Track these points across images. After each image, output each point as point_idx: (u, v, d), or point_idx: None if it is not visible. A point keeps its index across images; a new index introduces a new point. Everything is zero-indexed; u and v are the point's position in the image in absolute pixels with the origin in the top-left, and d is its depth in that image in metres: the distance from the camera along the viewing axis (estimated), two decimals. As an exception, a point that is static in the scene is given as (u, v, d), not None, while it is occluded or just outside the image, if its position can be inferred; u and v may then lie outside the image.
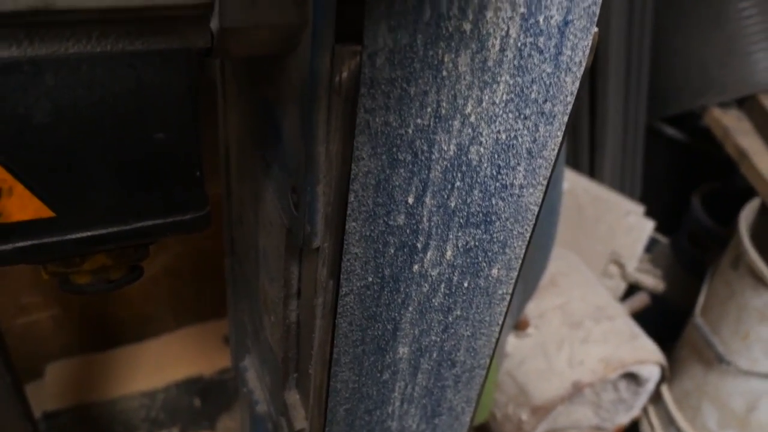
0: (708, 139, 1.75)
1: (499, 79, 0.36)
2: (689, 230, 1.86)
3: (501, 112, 0.38)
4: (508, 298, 0.50)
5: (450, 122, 0.37)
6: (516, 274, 0.49)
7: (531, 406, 1.42)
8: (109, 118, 0.30)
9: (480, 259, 0.45)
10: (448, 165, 0.39)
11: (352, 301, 0.42)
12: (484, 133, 0.38)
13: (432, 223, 0.41)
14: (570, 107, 0.40)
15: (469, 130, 0.38)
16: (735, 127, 1.63)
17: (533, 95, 0.38)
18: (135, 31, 0.29)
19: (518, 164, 0.41)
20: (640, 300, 1.73)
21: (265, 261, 0.49)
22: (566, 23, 0.36)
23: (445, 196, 0.40)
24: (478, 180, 0.40)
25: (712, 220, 1.80)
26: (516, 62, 0.36)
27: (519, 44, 0.36)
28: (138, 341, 1.74)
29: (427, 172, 0.38)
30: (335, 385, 0.47)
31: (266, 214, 0.46)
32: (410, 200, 0.39)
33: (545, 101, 0.39)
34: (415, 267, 0.43)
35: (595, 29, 0.38)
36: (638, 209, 1.73)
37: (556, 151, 0.42)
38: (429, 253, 0.43)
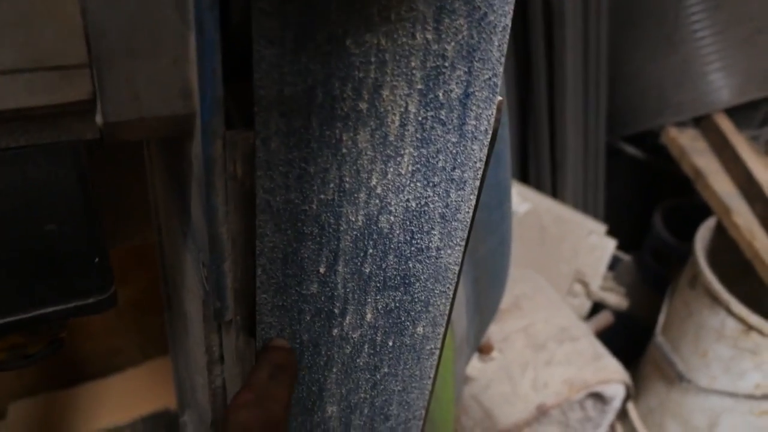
0: (667, 156, 1.78)
1: (402, 152, 0.37)
2: (652, 247, 1.89)
3: (408, 182, 0.38)
4: (437, 352, 0.50)
5: (355, 195, 0.37)
6: (443, 329, 0.49)
7: (497, 430, 1.42)
8: (-4, 213, 0.30)
9: (403, 318, 0.45)
10: (358, 234, 0.39)
11: (272, 368, 0.42)
12: (392, 203, 0.39)
13: (347, 289, 0.41)
14: (480, 172, 0.41)
15: (377, 201, 0.38)
16: (691, 147, 1.66)
17: (440, 164, 0.39)
18: (19, 128, 0.29)
19: (432, 228, 0.41)
20: (604, 318, 1.74)
21: (191, 325, 0.49)
22: (467, 95, 0.37)
23: (359, 263, 0.40)
24: (392, 246, 0.41)
25: (674, 237, 1.82)
26: (419, 135, 0.37)
27: (420, 118, 0.36)
28: (103, 376, 1.71)
29: (336, 242, 0.38)
30: (264, 448, 0.47)
31: (188, 282, 0.46)
32: (322, 270, 0.39)
33: (453, 169, 0.39)
34: (335, 331, 0.43)
35: (499, 98, 0.39)
36: (600, 228, 1.75)
37: (470, 213, 0.43)
38: (348, 317, 0.43)
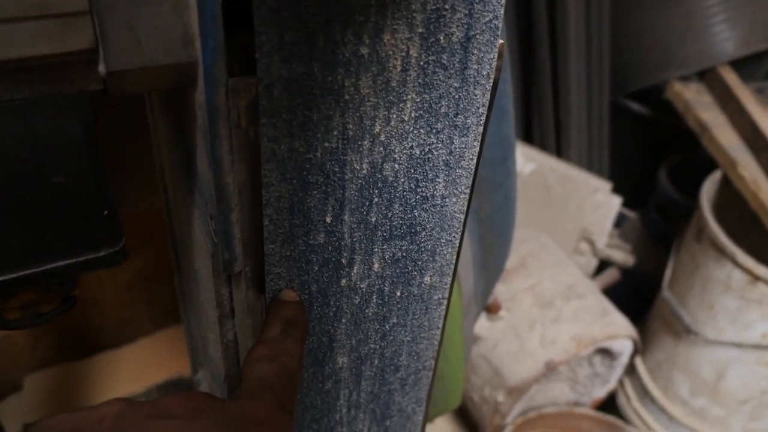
0: (673, 112, 1.77)
1: (405, 97, 0.37)
2: (657, 203, 1.89)
3: (411, 128, 0.38)
4: (444, 302, 0.51)
5: (359, 143, 0.37)
6: (450, 279, 0.49)
7: (506, 387, 1.44)
8: (5, 166, 0.30)
9: (410, 268, 0.46)
10: (363, 183, 0.39)
11: (283, 319, 0.43)
12: (396, 150, 0.39)
13: (354, 239, 0.41)
14: (483, 118, 0.41)
15: (381, 149, 0.38)
16: (696, 101, 1.65)
17: (443, 110, 0.39)
18: (22, 79, 0.29)
19: (437, 176, 0.42)
20: (610, 275, 1.75)
21: (201, 281, 0.50)
22: (468, 39, 0.37)
23: (365, 213, 0.40)
24: (397, 195, 0.41)
25: (680, 192, 1.82)
26: (421, 80, 0.37)
27: (421, 63, 0.36)
28: (116, 347, 1.74)
29: (341, 191, 0.39)
30: (277, 399, 0.48)
31: (196, 238, 0.46)
32: (328, 219, 0.39)
33: (456, 114, 0.39)
34: (343, 281, 0.43)
35: (501, 41, 0.38)
36: (605, 186, 1.75)
37: (474, 160, 0.43)
38: (355, 267, 0.43)
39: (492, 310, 1.46)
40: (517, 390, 1.43)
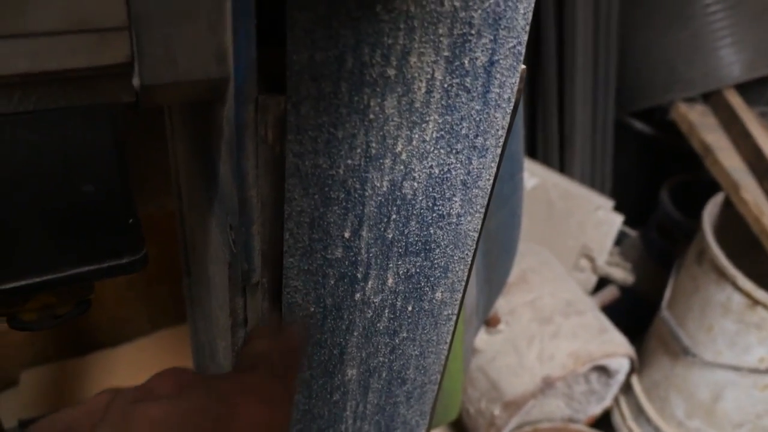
0: (676, 132, 1.78)
1: (427, 118, 0.37)
2: (658, 223, 1.89)
3: (432, 148, 0.39)
4: (454, 317, 0.51)
5: (381, 161, 0.38)
6: (460, 295, 0.50)
7: (503, 401, 1.45)
8: (35, 173, 0.31)
9: (422, 284, 0.46)
10: (383, 200, 0.40)
11: (296, 331, 0.43)
12: (416, 169, 0.39)
13: (371, 254, 0.42)
14: (502, 140, 0.41)
15: (401, 167, 0.39)
16: (700, 123, 1.66)
17: (464, 131, 0.39)
18: (57, 90, 0.30)
19: (454, 195, 0.42)
20: (609, 293, 1.76)
21: (214, 289, 0.50)
22: (492, 63, 0.37)
23: (382, 229, 0.41)
24: (414, 212, 0.41)
25: (681, 213, 1.83)
26: (444, 102, 0.37)
27: (445, 85, 0.37)
28: (113, 346, 1.74)
29: (361, 207, 0.39)
30: (285, 409, 0.48)
31: (212, 246, 0.47)
32: (347, 234, 0.40)
33: (476, 136, 0.40)
34: (357, 295, 0.44)
35: (523, 66, 0.39)
36: (607, 203, 1.76)
37: (491, 180, 0.43)
38: (370, 282, 0.44)
39: (491, 323, 1.47)
40: (513, 404, 1.43)
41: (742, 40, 1.72)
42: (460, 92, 0.37)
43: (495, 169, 0.43)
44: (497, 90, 0.39)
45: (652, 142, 1.93)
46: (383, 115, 0.36)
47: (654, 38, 1.77)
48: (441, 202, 0.42)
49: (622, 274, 1.78)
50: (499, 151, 0.42)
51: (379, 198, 0.39)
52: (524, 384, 1.43)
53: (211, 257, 0.49)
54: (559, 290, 1.58)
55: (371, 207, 0.39)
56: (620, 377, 1.61)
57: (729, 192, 1.48)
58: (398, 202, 0.40)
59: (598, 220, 1.75)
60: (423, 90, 0.36)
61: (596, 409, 1.69)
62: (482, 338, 1.49)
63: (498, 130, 0.41)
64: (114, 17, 0.28)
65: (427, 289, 0.47)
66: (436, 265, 0.46)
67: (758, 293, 1.28)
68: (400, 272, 0.44)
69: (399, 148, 0.38)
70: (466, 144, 0.40)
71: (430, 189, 0.41)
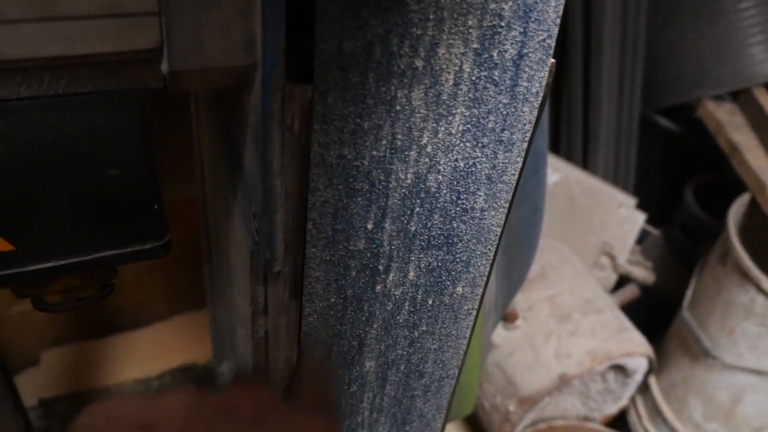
0: (702, 131, 1.75)
1: (454, 111, 0.37)
2: (681, 222, 1.87)
3: (458, 141, 0.39)
4: (474, 312, 0.51)
5: (406, 153, 0.37)
6: (481, 290, 0.49)
7: (518, 397, 1.44)
8: (63, 157, 0.31)
9: (444, 278, 0.46)
10: (407, 192, 0.39)
11: (316, 321, 0.44)
12: (441, 162, 0.39)
13: (393, 247, 0.42)
14: (529, 135, 0.41)
15: (426, 160, 0.38)
16: (728, 121, 1.63)
17: (490, 125, 0.39)
18: (86, 75, 0.30)
19: (478, 189, 0.42)
20: (629, 292, 1.74)
21: (235, 276, 0.50)
22: (521, 56, 0.37)
23: (405, 221, 0.41)
24: (438, 205, 0.41)
25: (705, 212, 1.80)
26: (471, 95, 0.37)
27: (473, 78, 0.36)
28: (133, 329, 1.76)
29: (385, 199, 0.39)
30: (303, 398, 0.48)
31: (234, 234, 0.47)
32: (369, 226, 0.40)
33: (503, 130, 0.39)
34: (378, 287, 0.44)
35: (552, 60, 0.38)
36: (630, 201, 1.73)
37: (516, 175, 0.43)
38: (391, 275, 0.44)
39: (509, 319, 1.46)
40: (529, 400, 1.43)
41: (774, 38, 1.68)
42: (488, 85, 0.37)
43: (521, 164, 0.42)
44: (525, 84, 0.38)
45: (678, 140, 1.90)
46: (410, 107, 0.36)
47: (683, 34, 1.74)
48: (465, 196, 0.42)
49: (643, 273, 1.76)
50: (525, 145, 0.41)
51: (403, 190, 0.39)
52: (540, 380, 1.42)
53: (233, 245, 0.49)
54: (579, 287, 1.57)
55: (395, 199, 0.39)
56: (638, 377, 1.60)
57: (755, 192, 1.45)
58: (422, 194, 0.40)
59: (621, 218, 1.73)
60: (451, 82, 0.36)
61: (612, 409, 1.67)
62: (499, 334, 1.49)
63: (525, 125, 0.40)
64: (144, 2, 0.28)
65: (449, 283, 0.47)
66: (458, 260, 0.45)
67: (782, 296, 1.26)
68: (422, 265, 0.44)
69: (425, 141, 0.37)
70: (493, 138, 0.39)
71: (455, 182, 0.40)
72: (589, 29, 1.69)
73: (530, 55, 0.37)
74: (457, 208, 0.42)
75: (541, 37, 0.36)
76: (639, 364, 1.54)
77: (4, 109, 0.29)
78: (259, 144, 0.34)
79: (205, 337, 1.89)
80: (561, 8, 0.36)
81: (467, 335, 0.53)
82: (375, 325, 0.46)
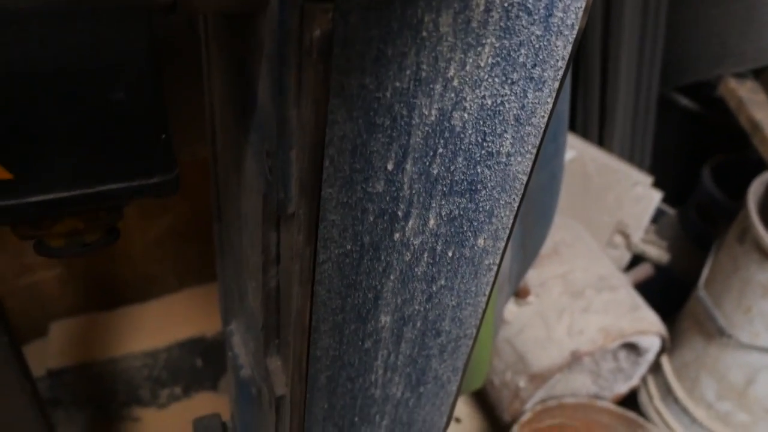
0: (722, 110, 1.71)
1: (484, 41, 0.35)
2: (698, 202, 1.84)
3: (486, 76, 0.36)
4: (495, 268, 0.49)
5: (431, 86, 0.35)
6: (503, 244, 0.47)
7: (529, 373, 1.42)
8: (64, 76, 0.29)
9: (465, 228, 0.44)
10: (430, 131, 0.37)
11: (331, 269, 0.41)
12: (468, 98, 0.37)
13: (413, 191, 0.40)
14: (561, 72, 0.38)
15: (452, 95, 0.36)
16: (750, 99, 1.59)
17: (521, 59, 0.36)
18: (91, -16, 0.28)
19: (505, 131, 0.39)
20: (643, 271, 1.71)
21: (246, 227, 0.48)
22: (557, -18, 0.34)
23: (427, 163, 0.39)
24: (462, 147, 0.39)
25: (722, 193, 1.77)
26: (502, 23, 0.34)
27: (506, 4, 0.34)
28: (141, 301, 1.75)
29: (407, 137, 0.37)
30: (315, 353, 0.46)
31: (246, 181, 0.45)
32: (389, 166, 0.38)
33: (534, 66, 0.37)
34: (396, 235, 0.42)
35: (589, -10, 0.36)
36: (646, 180, 1.70)
37: (546, 118, 0.40)
38: (411, 222, 0.41)
39: (521, 294, 1.44)
40: (539, 377, 1.41)
41: (798, 14, 1.64)
42: (520, 13, 0.34)
43: (551, 107, 0.40)
44: (560, 14, 0.35)
45: (697, 118, 1.86)
46: (437, 34, 0.33)
47: (705, 9, 1.69)
48: (491, 138, 0.39)
49: (657, 252, 1.73)
50: (557, 85, 0.39)
51: (427, 128, 0.37)
52: (551, 357, 1.40)
53: (245, 193, 0.47)
54: (592, 265, 1.55)
55: (417, 138, 0.37)
56: (650, 356, 1.58)
57: (776, 171, 1.42)
58: (446, 134, 0.37)
59: (636, 196, 1.70)
60: (482, 8, 0.33)
61: (623, 388, 1.66)
62: (511, 310, 1.47)
63: (558, 61, 0.38)
64: None
65: (470, 234, 0.44)
66: (480, 209, 0.43)
67: (803, 275, 1.23)
68: (443, 213, 0.42)
69: (451, 73, 0.35)
70: (523, 74, 0.37)
71: (481, 122, 0.38)
72: (609, 3, 1.65)
73: (566, -19, 0.34)
74: (483, 151, 0.40)
75: (578, -38, 0.34)
76: (651, 343, 1.52)
77: (3, 22, 0.27)
78: (275, 70, 0.32)
79: (213, 310, 1.88)
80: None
81: (487, 293, 0.50)
82: (392, 277, 0.44)
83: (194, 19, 0.51)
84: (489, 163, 0.40)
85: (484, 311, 0.52)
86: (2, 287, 1.59)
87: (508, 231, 0.46)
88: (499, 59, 0.36)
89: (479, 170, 0.40)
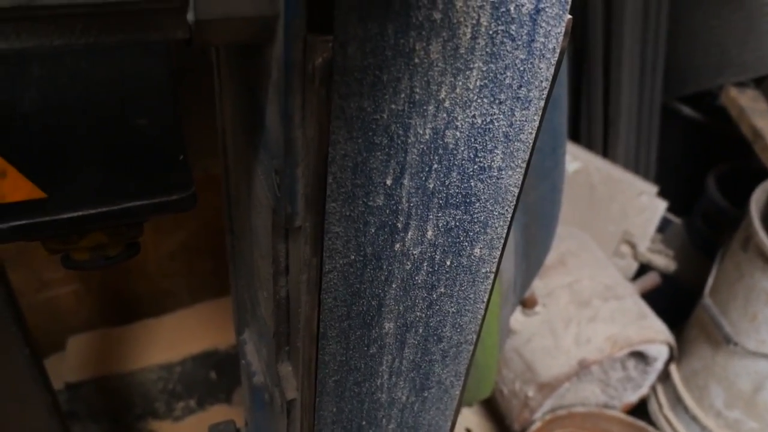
0: (725, 118, 1.73)
1: (472, 65, 0.38)
2: (703, 210, 1.85)
3: (475, 97, 0.39)
4: (492, 276, 0.51)
5: (424, 107, 0.38)
6: (499, 253, 0.50)
7: (537, 382, 1.44)
8: (92, 105, 0.32)
9: (461, 238, 0.47)
10: (425, 148, 0.40)
11: (336, 278, 0.44)
12: (459, 118, 0.40)
13: (411, 204, 0.43)
14: (546, 92, 0.41)
15: (444, 115, 0.39)
16: (751, 108, 1.61)
17: (507, 81, 0.39)
18: (116, 24, 0.31)
19: (495, 147, 0.42)
20: (650, 280, 1.73)
21: (256, 239, 0.51)
22: (538, 11, 0.37)
23: (423, 178, 0.42)
24: (456, 162, 0.42)
25: (727, 201, 1.78)
26: (488, 49, 0.37)
27: (491, 32, 0.37)
28: (156, 316, 1.79)
29: (404, 154, 0.40)
30: (323, 358, 0.49)
31: (256, 195, 0.48)
32: (388, 182, 0.41)
33: (520, 87, 0.40)
34: (397, 246, 0.45)
35: (569, 16, 0.39)
36: (651, 189, 1.72)
37: (533, 134, 0.43)
38: (410, 233, 0.44)
39: (528, 304, 1.46)
40: (548, 386, 1.43)
41: (798, 24, 1.66)
42: (505, 39, 0.37)
43: (537, 123, 0.43)
44: (542, 39, 0.38)
45: (700, 127, 1.88)
46: (428, 60, 0.36)
47: (706, 19, 1.72)
48: (483, 153, 0.42)
49: (664, 261, 1.75)
50: (542, 104, 0.42)
51: (422, 146, 0.40)
52: (560, 366, 1.42)
53: (255, 208, 0.50)
54: (598, 274, 1.57)
55: (413, 155, 0.40)
56: (658, 365, 1.59)
57: (779, 178, 1.43)
58: (440, 151, 0.41)
59: (641, 206, 1.72)
60: (468, 36, 0.36)
61: (632, 397, 1.67)
62: (518, 320, 1.49)
63: (542, 82, 0.41)
64: (171, -49, 0.29)
65: (466, 243, 0.47)
66: (475, 220, 0.46)
67: (806, 281, 1.24)
68: (440, 224, 0.45)
69: (443, 95, 0.38)
70: (510, 94, 0.40)
71: (473, 139, 0.41)
72: (609, 15, 1.68)
73: (547, 9, 0.37)
74: (475, 166, 0.42)
75: (557, -8, 0.37)
76: (659, 352, 1.53)
77: (38, 56, 0.30)
78: (282, 96, 0.35)
79: (225, 323, 1.91)
80: (577, -37, 0.37)
81: (485, 299, 0.53)
82: (394, 285, 0.47)
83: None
84: (482, 177, 0.43)
85: (483, 318, 0.55)
86: (21, 302, 1.63)
87: (502, 241, 0.49)
88: (486, 81, 0.39)
89: (473, 184, 0.43)
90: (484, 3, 0.36)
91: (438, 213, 0.44)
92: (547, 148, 0.85)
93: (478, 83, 0.39)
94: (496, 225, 0.47)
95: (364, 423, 0.58)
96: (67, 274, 1.69)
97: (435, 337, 0.53)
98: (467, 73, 0.38)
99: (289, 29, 0.32)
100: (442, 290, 0.50)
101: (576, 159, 1.75)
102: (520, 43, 0.38)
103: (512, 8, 0.36)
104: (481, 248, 0.48)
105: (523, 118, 0.42)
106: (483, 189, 0.44)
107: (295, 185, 0.39)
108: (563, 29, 0.39)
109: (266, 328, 0.56)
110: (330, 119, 0.36)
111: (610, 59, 1.71)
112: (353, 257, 0.44)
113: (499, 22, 0.37)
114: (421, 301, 0.50)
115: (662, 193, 1.74)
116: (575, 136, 1.86)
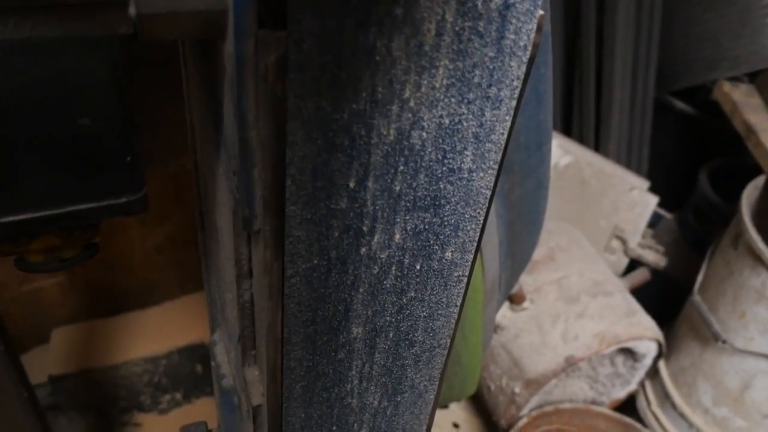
0: (718, 113, 1.72)
1: (437, 63, 0.36)
2: (695, 206, 1.84)
3: (442, 96, 0.37)
4: (465, 280, 0.50)
5: (388, 107, 0.36)
6: (472, 256, 0.48)
7: (524, 379, 1.43)
8: (31, 104, 0.30)
9: (431, 242, 0.45)
10: (389, 149, 0.38)
11: (299, 283, 0.43)
12: (425, 118, 0.38)
13: (377, 207, 0.41)
14: (518, 91, 0.40)
15: (409, 115, 0.37)
16: (744, 103, 1.60)
17: (476, 79, 0.38)
18: (54, 18, 0.29)
19: (465, 149, 0.41)
20: (640, 275, 1.72)
21: (222, 240, 0.50)
22: (507, 7, 0.35)
23: (389, 180, 0.40)
24: (423, 164, 0.40)
25: (719, 197, 1.77)
26: (455, 47, 0.36)
27: (457, 28, 0.35)
28: (141, 308, 1.77)
29: (367, 156, 0.38)
30: (289, 364, 0.48)
31: (220, 195, 0.46)
32: (351, 184, 0.39)
33: (490, 85, 0.38)
34: (363, 250, 0.43)
35: (541, 12, 0.37)
36: (643, 184, 1.71)
37: (505, 135, 0.42)
38: (376, 236, 0.43)
39: (516, 300, 1.45)
40: (535, 382, 1.42)
41: (793, 18, 1.64)
42: (472, 36, 0.36)
43: (509, 123, 0.41)
44: (512, 36, 0.37)
45: (693, 122, 1.87)
46: (390, 58, 0.34)
47: (699, 13, 1.70)
48: (451, 155, 0.40)
49: (655, 256, 1.74)
50: (514, 103, 0.40)
51: (386, 147, 0.38)
52: (547, 362, 1.41)
53: (219, 207, 0.48)
54: (588, 270, 1.55)
55: (377, 156, 0.38)
56: (647, 361, 1.58)
57: (770, 175, 1.42)
58: (406, 152, 0.39)
59: (632, 201, 1.71)
60: (433, 32, 0.34)
61: (621, 393, 1.66)
62: (506, 315, 1.48)
63: (513, 81, 0.39)
64: (107, -60, 0.27)
65: (437, 247, 0.46)
66: (446, 223, 0.44)
67: (795, 280, 1.23)
68: (408, 228, 0.43)
69: (407, 95, 0.36)
70: (479, 93, 0.38)
71: (440, 140, 0.39)
72: (602, 9, 1.66)
73: (517, 5, 0.36)
74: (444, 168, 0.41)
75: (528, -13, 0.35)
76: (648, 348, 1.52)
77: (-32, 52, 0.28)
78: (234, 94, 0.33)
79: (213, 316, 1.88)
80: (549, -43, 0.35)
81: (458, 303, 0.52)
82: (361, 290, 0.45)
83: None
84: (451, 179, 0.42)
85: (457, 322, 0.53)
86: (5, 294, 1.62)
87: (475, 244, 0.47)
88: (454, 80, 0.37)
89: (442, 186, 0.42)
90: (449, -2, 0.34)
91: (405, 216, 0.42)
92: (532, 145, 0.84)
93: (444, 82, 0.37)
94: (468, 228, 0.46)
95: (334, 428, 0.56)
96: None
97: (406, 342, 0.52)
98: (433, 71, 0.36)
99: (239, 24, 0.30)
100: (413, 294, 0.48)
101: (567, 153, 1.73)
102: (488, 40, 0.36)
103: (479, 4, 0.35)
104: (452, 252, 0.47)
105: (494, 118, 0.40)
106: (453, 191, 0.42)
107: (252, 187, 0.37)
108: (534, 25, 0.37)
109: (233, 330, 0.54)
110: (286, 119, 0.34)
111: (602, 52, 1.69)
112: (317, 261, 0.42)
113: (466, 18, 0.35)
114: (390, 306, 0.48)
115: (654, 188, 1.72)
116: (567, 130, 1.85)
